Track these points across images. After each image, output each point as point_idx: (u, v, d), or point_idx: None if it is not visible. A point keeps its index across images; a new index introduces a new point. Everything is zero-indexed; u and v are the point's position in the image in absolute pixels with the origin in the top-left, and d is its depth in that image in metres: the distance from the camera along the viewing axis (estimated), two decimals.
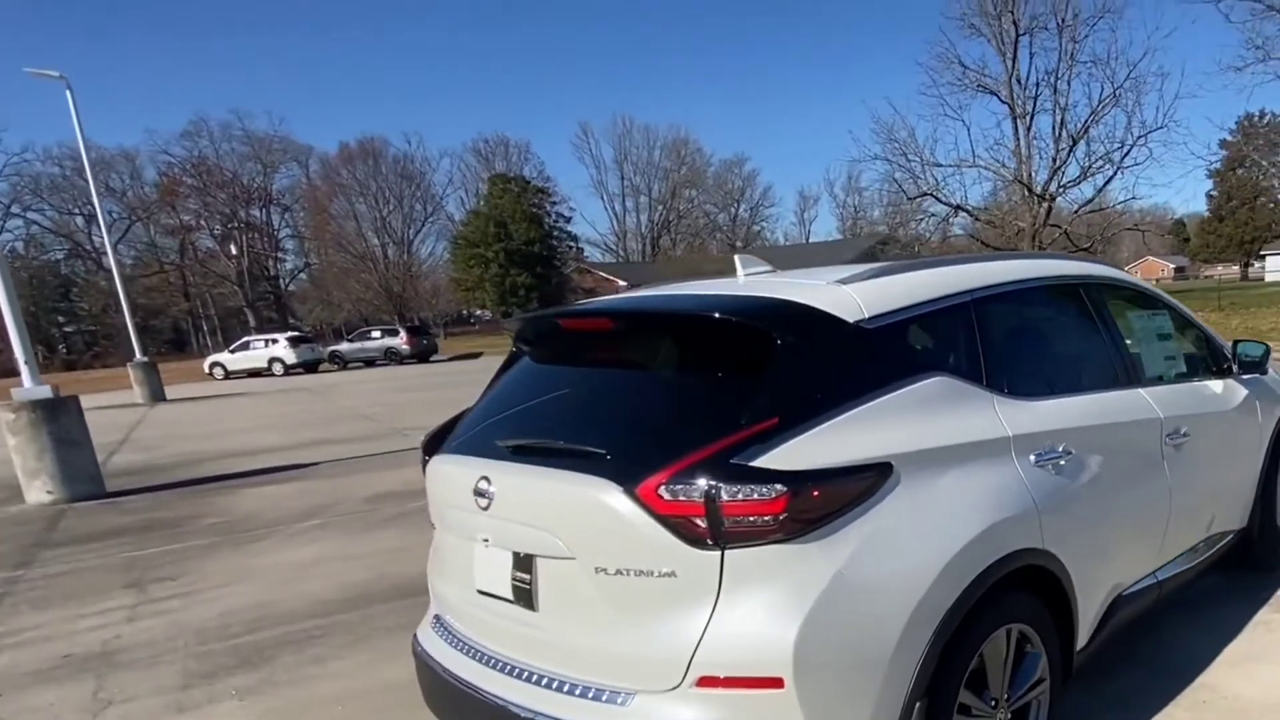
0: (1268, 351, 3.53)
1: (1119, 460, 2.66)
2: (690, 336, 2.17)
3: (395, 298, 56.76)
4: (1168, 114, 27.39)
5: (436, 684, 2.31)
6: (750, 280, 2.55)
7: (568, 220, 56.03)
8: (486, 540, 2.11)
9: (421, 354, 34.90)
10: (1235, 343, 3.59)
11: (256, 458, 10.40)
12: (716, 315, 2.09)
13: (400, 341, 34.89)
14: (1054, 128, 30.30)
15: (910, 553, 1.89)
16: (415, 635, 2.60)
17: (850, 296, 2.16)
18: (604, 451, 1.93)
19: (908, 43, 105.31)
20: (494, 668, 2.14)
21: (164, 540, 6.35)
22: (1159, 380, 3.13)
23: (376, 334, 36.69)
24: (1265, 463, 3.60)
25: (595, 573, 1.87)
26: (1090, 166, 29.44)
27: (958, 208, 32.50)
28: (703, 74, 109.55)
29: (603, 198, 79.10)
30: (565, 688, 1.96)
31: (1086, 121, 29.30)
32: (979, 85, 30.47)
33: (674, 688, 1.80)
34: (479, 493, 2.09)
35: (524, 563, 2.04)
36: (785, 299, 2.13)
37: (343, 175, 59.63)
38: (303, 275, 67.62)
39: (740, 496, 1.72)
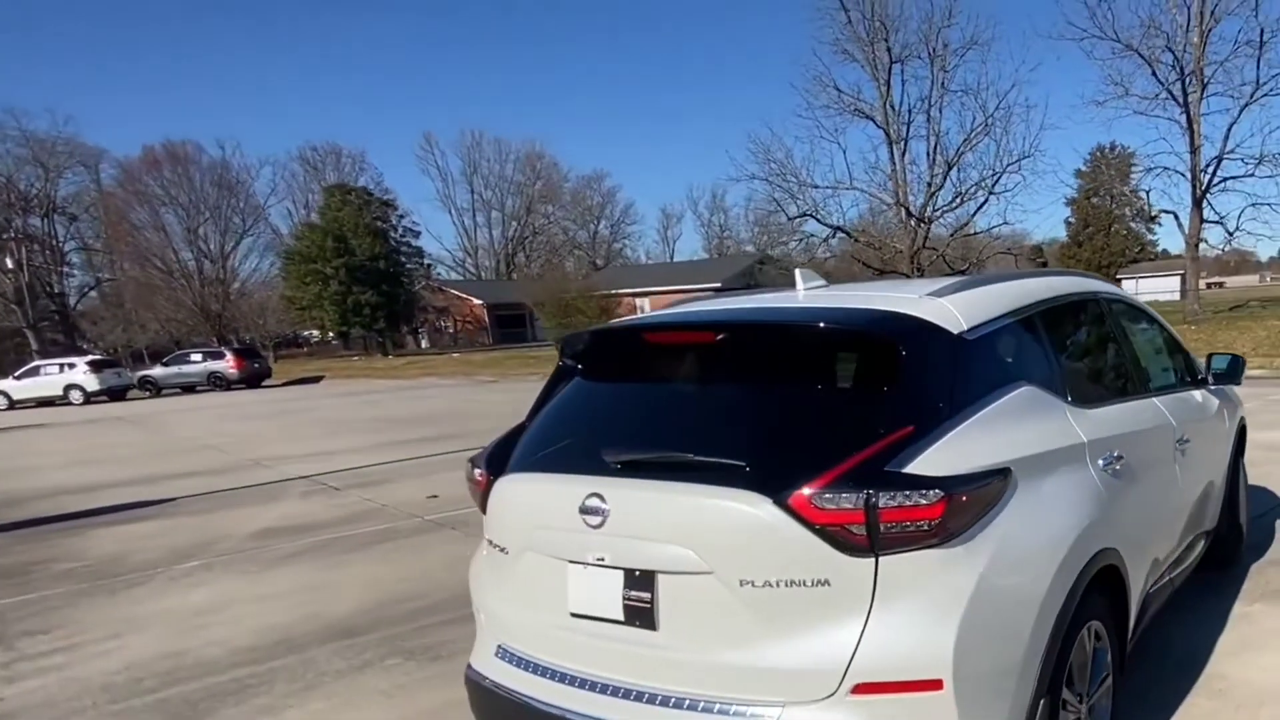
0: (1243, 364, 4.08)
1: (1151, 464, 3.03)
2: (808, 347, 2.31)
3: (214, 318, 52.62)
4: (1034, 143, 31.43)
5: (516, 714, 2.36)
6: (829, 293, 2.75)
7: (416, 235, 54.95)
8: (602, 559, 2.15)
9: (251, 378, 33.20)
10: (1210, 355, 4.16)
11: (93, 495, 9.40)
12: (840, 326, 2.27)
13: (226, 365, 33.00)
14: (929, 153, 33.75)
15: (1032, 556, 2.11)
16: (472, 667, 2.61)
17: (949, 309, 2.36)
18: (742, 463, 2.02)
19: (778, 63, 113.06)
20: (596, 691, 2.19)
21: (13, 590, 5.70)
22: (1163, 390, 3.56)
23: (197, 357, 34.31)
24: (1229, 465, 4.19)
25: (740, 586, 1.96)
26: (965, 191, 33.01)
27: (837, 229, 35.24)
28: (559, 88, 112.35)
29: (450, 211, 78.73)
30: (699, 706, 2.03)
31: (960, 148, 32.83)
32: (855, 110, 33.37)
33: (827, 697, 1.91)
34: (589, 510, 2.14)
35: (642, 581, 2.09)
36: (900, 311, 2.31)
37: (145, 182, 54.85)
38: (93, 293, 61.14)
39: (898, 503, 1.86)
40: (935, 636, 1.89)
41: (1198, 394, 3.95)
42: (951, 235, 34.48)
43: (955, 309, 2.38)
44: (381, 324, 50.94)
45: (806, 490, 1.90)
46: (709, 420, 2.32)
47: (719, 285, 44.17)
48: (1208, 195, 28.85)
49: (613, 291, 44.38)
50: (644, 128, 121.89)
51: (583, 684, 2.23)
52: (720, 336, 2.42)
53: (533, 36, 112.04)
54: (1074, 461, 2.45)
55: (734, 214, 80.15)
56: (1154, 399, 3.41)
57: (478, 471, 2.62)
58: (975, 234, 34.65)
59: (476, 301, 60.02)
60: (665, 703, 2.08)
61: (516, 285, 59.52)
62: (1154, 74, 28.40)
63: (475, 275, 76.58)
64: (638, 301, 47.47)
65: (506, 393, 21.56)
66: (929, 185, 33.57)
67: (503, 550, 2.47)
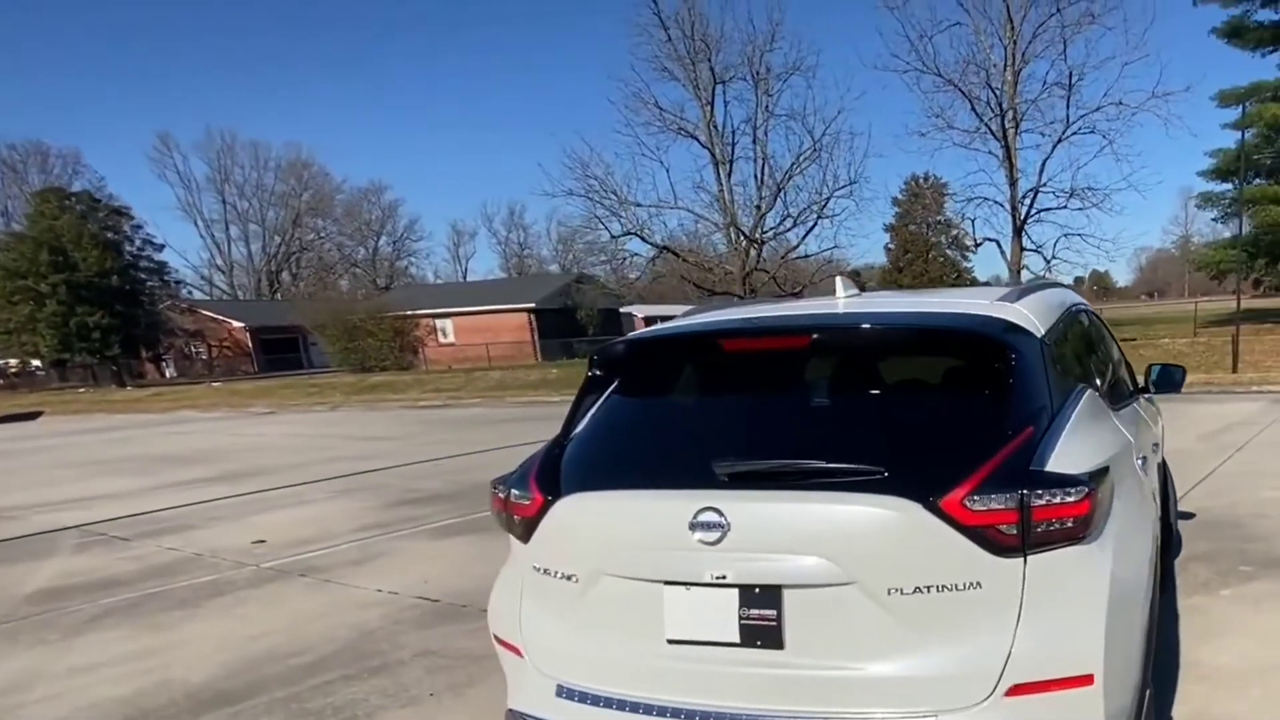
0: (1184, 374, 4.74)
1: (1149, 462, 3.45)
2: (918, 350, 2.50)
3: None
4: (859, 170, 34.91)
5: None
6: (887, 299, 2.98)
7: (159, 248, 50.23)
8: (722, 577, 2.15)
9: None
10: (1150, 366, 4.76)
11: None
12: (952, 329, 2.45)
13: None
14: (756, 175, 36.49)
15: (1135, 549, 2.37)
16: (518, 712, 2.56)
17: (1026, 314, 2.58)
18: (879, 469, 2.11)
19: (589, 78, 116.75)
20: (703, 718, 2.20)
21: None
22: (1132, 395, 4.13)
23: None
24: (1161, 468, 4.64)
25: (888, 594, 2.04)
26: (798, 215, 35.93)
27: (663, 248, 36.91)
28: (331, 92, 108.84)
29: (197, 223, 73.37)
30: None
31: (788, 171, 35.85)
32: (678, 129, 35.38)
33: (982, 702, 2.03)
34: (704, 526, 2.14)
35: (764, 598, 2.13)
36: (997, 315, 2.52)
37: None
38: None
39: (1047, 501, 2.02)
40: (1086, 633, 2.07)
41: (1142, 400, 4.53)
42: (782, 257, 37.20)
43: (1030, 313, 2.61)
44: (116, 350, 45.51)
45: (957, 493, 2.02)
46: (827, 427, 2.42)
47: (532, 305, 44.42)
48: (1026, 225, 33.72)
49: (408, 313, 43.07)
50: (430, 138, 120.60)
51: (687, 716, 2.22)
52: (814, 342, 2.51)
53: (286, 28, 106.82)
54: (1129, 460, 2.76)
55: (535, 231, 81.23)
56: (1134, 404, 3.97)
57: (517, 494, 2.56)
58: (807, 256, 37.74)
59: (236, 324, 55.70)
60: None
61: (288, 306, 56.04)
62: (973, 109, 32.94)
63: (230, 295, 71.17)
64: (438, 323, 46.39)
65: (291, 424, 20.31)
66: (758, 207, 36.19)
67: (568, 578, 2.41)
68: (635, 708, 2.29)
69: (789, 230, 36.29)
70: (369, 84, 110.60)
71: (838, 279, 3.08)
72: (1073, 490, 2.05)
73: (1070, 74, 31.10)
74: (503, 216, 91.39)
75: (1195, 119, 50.16)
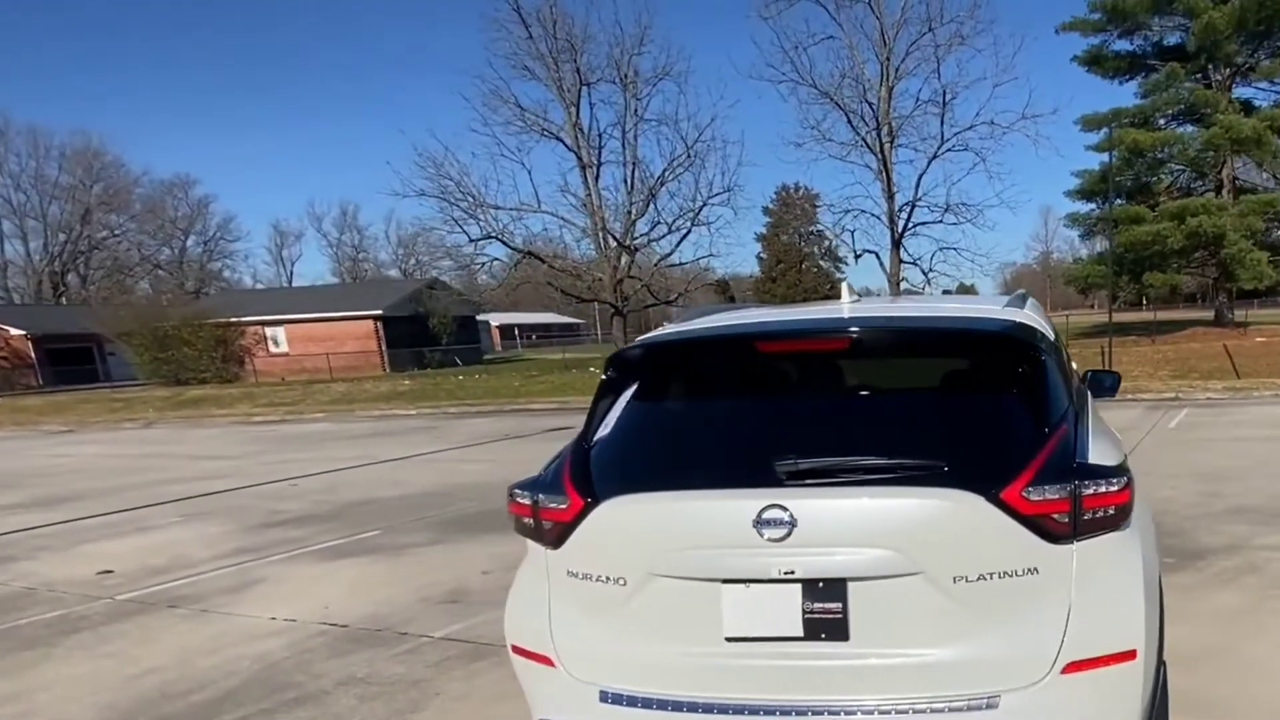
0: (1120, 379, 5.20)
1: None
2: (950, 352, 2.77)
3: None
4: (733, 178, 36.26)
5: None
6: (905, 304, 3.25)
7: None
8: (790, 573, 2.32)
9: None
10: (1088, 371, 5.11)
11: None
12: (987, 331, 2.70)
13: None
14: (626, 180, 37.25)
15: (1151, 537, 2.70)
16: None
17: (1039, 320, 2.89)
18: (940, 464, 2.34)
19: (433, 71, 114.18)
20: (766, 716, 2.37)
21: None
22: None
23: None
24: None
25: (954, 582, 2.28)
26: (672, 222, 36.84)
27: (527, 253, 36.93)
28: (128, 75, 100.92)
29: None
30: (907, 711, 2.31)
31: (660, 177, 36.77)
32: (541, 130, 35.70)
33: (1041, 680, 2.28)
34: (770, 523, 2.31)
35: (829, 592, 2.32)
36: (1021, 321, 2.77)
37: None
38: None
39: (1094, 491, 2.31)
40: (1130, 611, 2.36)
41: None
42: (655, 265, 37.98)
43: (1040, 320, 2.94)
44: None
45: (1016, 485, 2.28)
46: (876, 424, 2.63)
47: (379, 312, 43.12)
48: (904, 238, 36.03)
49: (233, 320, 40.87)
50: (248, 128, 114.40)
51: (749, 712, 2.37)
52: (854, 343, 2.72)
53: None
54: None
55: (372, 233, 79.15)
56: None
57: (548, 498, 2.63)
58: (682, 264, 38.73)
59: (15, 331, 50.76)
60: (863, 714, 2.33)
61: (81, 312, 51.64)
62: (850, 123, 34.97)
63: (5, 298, 65.02)
64: (268, 331, 44.20)
65: (102, 444, 18.86)
66: (628, 213, 36.88)
67: (615, 581, 2.51)
68: (693, 707, 2.42)
69: (663, 237, 37.13)
70: (174, 66, 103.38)
71: (844, 285, 3.30)
72: (1115, 480, 2.36)
73: (944, 92, 33.91)
74: (334, 217, 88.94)
75: (1063, 140, 55.23)
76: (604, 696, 2.54)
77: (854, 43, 34.33)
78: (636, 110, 36.11)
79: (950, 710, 2.29)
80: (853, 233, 37.39)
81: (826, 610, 2.33)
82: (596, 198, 36.63)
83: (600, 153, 36.70)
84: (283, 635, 5.16)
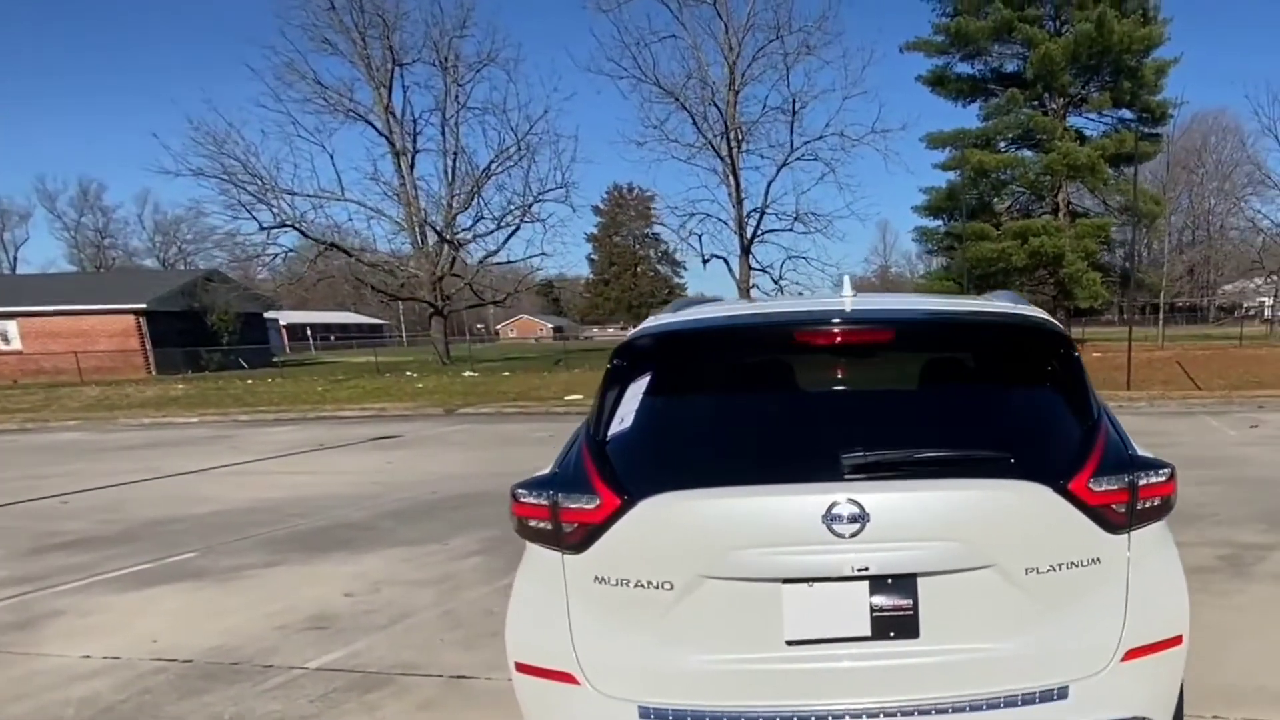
0: None
1: None
2: (991, 346, 2.90)
3: None
4: (567, 175, 36.39)
5: None
6: (924, 299, 3.40)
7: None
8: (864, 569, 2.39)
9: None
10: None
11: None
12: (1033, 325, 2.85)
13: None
14: (447, 171, 36.75)
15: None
16: None
17: (1051, 319, 3.06)
18: (1006, 456, 2.49)
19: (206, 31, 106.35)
20: None
21: None
22: None
23: None
24: None
25: (1025, 574, 2.43)
26: (501, 217, 36.54)
27: (331, 245, 35.51)
28: None
29: None
30: (982, 706, 2.43)
31: (487, 169, 36.45)
32: (347, 110, 34.69)
33: (1105, 667, 2.47)
34: (843, 519, 2.38)
35: (898, 588, 2.42)
36: (1046, 317, 2.96)
37: None
38: None
39: (1147, 482, 2.53)
40: (1176, 599, 2.60)
41: None
42: (480, 262, 37.58)
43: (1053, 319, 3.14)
44: None
45: (1082, 476, 2.47)
46: (932, 416, 2.76)
47: (142, 306, 40.04)
48: (753, 245, 37.37)
49: None
50: None
51: (814, 719, 2.42)
52: (897, 335, 2.82)
53: None
54: None
55: (121, 216, 73.95)
56: None
57: (570, 497, 2.58)
58: (510, 262, 38.47)
59: None
60: (936, 712, 2.42)
61: None
62: (695, 124, 36.00)
63: None
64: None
65: None
66: (449, 206, 36.32)
67: (658, 586, 2.50)
68: (751, 718, 2.44)
69: (490, 233, 36.81)
70: None
71: (844, 278, 3.38)
72: (1163, 472, 2.59)
73: (794, 101, 35.63)
74: (71, 196, 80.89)
75: (911, 156, 59.63)
76: (644, 713, 2.51)
77: (698, 43, 35.49)
78: (458, 97, 35.98)
79: (1024, 703, 2.43)
80: (700, 237, 38.54)
81: (896, 607, 2.41)
82: (412, 187, 35.91)
83: (416, 139, 36.20)
84: (108, 675, 4.65)
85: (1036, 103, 37.58)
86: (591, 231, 74.11)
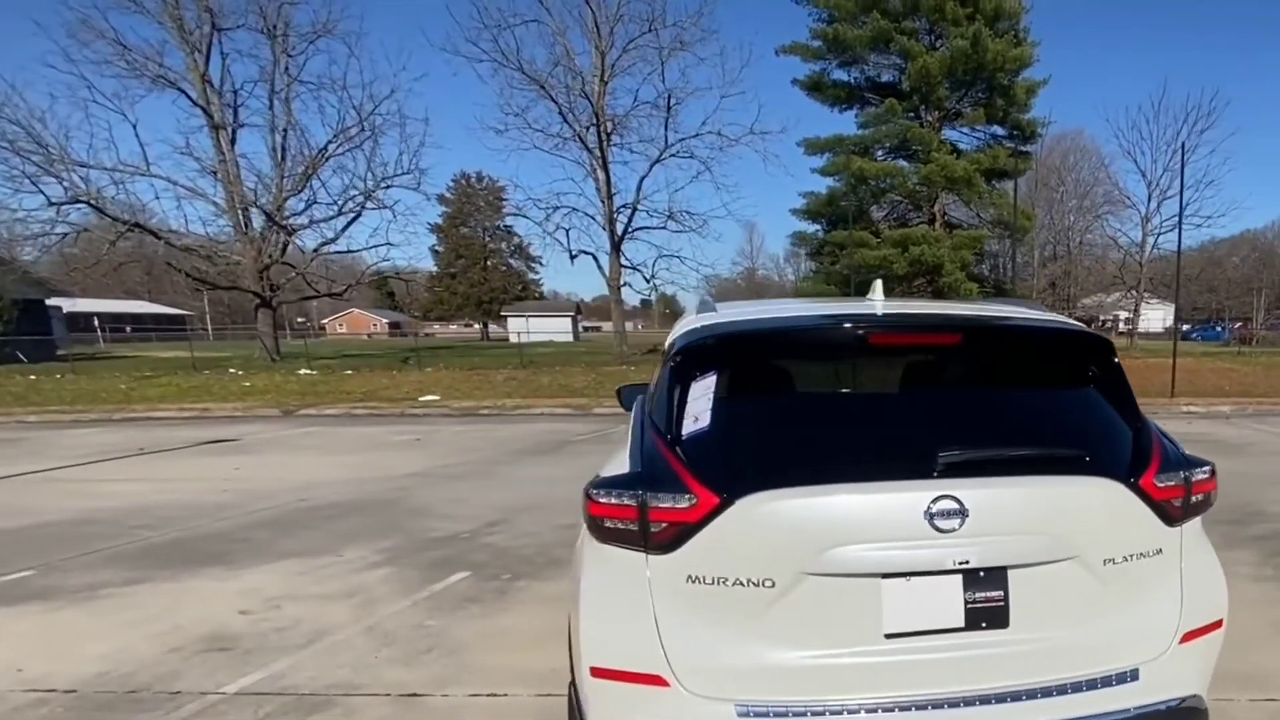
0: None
1: None
2: (1048, 352, 3.26)
3: None
4: (415, 160, 35.84)
5: None
6: (960, 306, 3.68)
7: None
8: (965, 562, 2.67)
9: None
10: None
11: None
12: (1086, 333, 3.21)
13: None
14: (275, 150, 35.47)
15: None
16: None
17: None
18: (1083, 454, 2.85)
19: None
20: (922, 711, 2.68)
21: None
22: None
23: None
24: None
25: (1104, 565, 2.79)
26: (342, 203, 35.51)
27: (134, 225, 33.55)
28: None
29: None
30: (1065, 690, 2.75)
31: (324, 149, 35.38)
32: (156, 76, 32.98)
33: (1166, 650, 2.85)
34: (945, 514, 2.65)
35: (990, 580, 2.71)
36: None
37: None
38: None
39: (1199, 479, 2.94)
40: (1218, 585, 3.03)
41: None
42: (315, 250, 36.44)
43: None
44: None
45: (1150, 473, 2.86)
46: (1016, 416, 3.07)
47: None
48: (623, 242, 37.69)
49: None
50: None
51: (915, 708, 2.68)
52: (965, 338, 3.16)
53: None
54: None
55: None
56: None
57: (660, 496, 2.70)
58: (351, 251, 37.47)
59: None
60: (1017, 698, 2.72)
61: None
62: (562, 114, 36.11)
63: None
64: None
65: None
66: (279, 188, 35.06)
67: (759, 584, 2.68)
68: (850, 710, 2.67)
69: (330, 219, 35.78)
70: None
71: (877, 283, 3.68)
72: (1206, 469, 3.00)
73: (669, 97, 36.22)
74: None
75: (791, 160, 61.65)
76: (743, 712, 2.66)
77: (562, 28, 35.74)
78: (289, 69, 34.85)
79: (1101, 686, 2.78)
80: (568, 231, 38.62)
81: (989, 599, 2.70)
82: (234, 166, 34.39)
83: (238, 112, 34.87)
84: None
85: (913, 114, 39.73)
86: (436, 222, 72.78)
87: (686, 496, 2.69)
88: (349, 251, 37.70)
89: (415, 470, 11.60)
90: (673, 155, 37.48)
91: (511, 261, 78.54)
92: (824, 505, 2.66)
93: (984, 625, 2.70)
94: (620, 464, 2.96)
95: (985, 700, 2.70)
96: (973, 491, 2.66)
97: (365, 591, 6.17)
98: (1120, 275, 59.68)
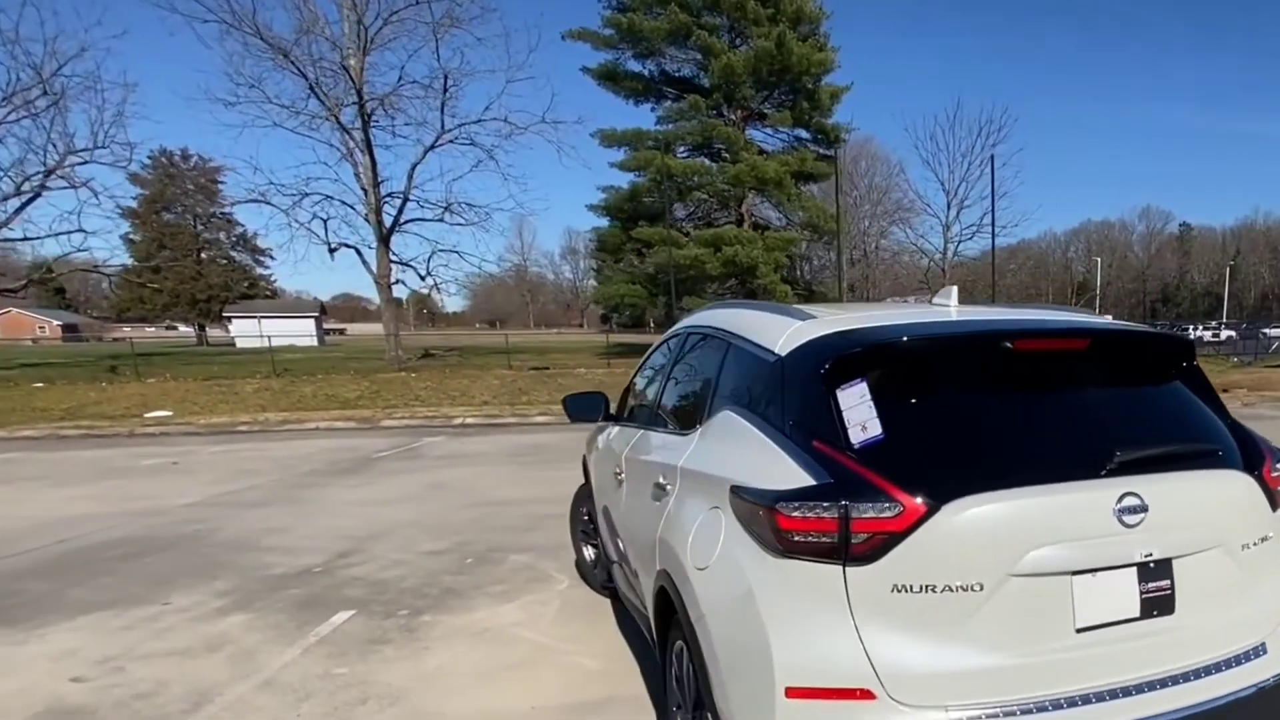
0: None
1: None
2: (1162, 356, 3.86)
3: None
4: (109, 134, 33.54)
5: None
6: (1025, 310, 4.26)
7: None
8: (1150, 554, 3.16)
9: None
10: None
11: None
12: (1187, 341, 3.95)
13: None
14: None
15: None
16: None
17: None
18: (1216, 448, 3.50)
19: None
20: (1105, 700, 3.10)
21: None
22: None
23: None
24: None
25: (1242, 550, 3.38)
26: (21, 182, 32.65)
27: None
28: None
29: None
30: (1218, 668, 3.26)
31: None
32: None
33: None
34: (1131, 510, 3.14)
35: (1159, 570, 3.21)
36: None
37: None
38: None
39: None
40: None
41: None
42: None
43: None
44: None
45: (1267, 464, 3.54)
46: (1153, 416, 3.67)
47: None
48: (393, 235, 36.95)
49: None
50: None
51: (1107, 697, 3.10)
52: (1091, 344, 3.67)
53: None
54: None
55: None
56: None
57: (860, 507, 2.99)
58: (29, 239, 34.74)
59: None
60: (1183, 680, 3.20)
61: None
62: (313, 90, 34.86)
63: None
64: None
65: None
66: None
67: (968, 589, 3.01)
68: (1047, 706, 3.03)
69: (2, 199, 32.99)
70: None
71: (953, 289, 4.26)
72: None
73: (445, 77, 35.78)
74: None
75: (589, 152, 62.04)
76: (957, 717, 2.98)
77: None
78: None
79: (1242, 662, 3.32)
80: (325, 221, 37.26)
81: (1159, 588, 3.19)
82: None
83: None
84: None
85: (716, 111, 41.51)
86: (131, 205, 67.06)
87: (891, 506, 2.97)
88: (27, 239, 34.97)
89: (197, 499, 10.92)
90: (451, 142, 37.09)
91: (234, 254, 74.84)
92: (1025, 506, 3.06)
93: (1155, 613, 3.17)
94: (737, 472, 3.39)
95: (1161, 684, 3.15)
96: (1151, 487, 3.17)
97: (231, 642, 5.75)
98: (926, 280, 66.76)
